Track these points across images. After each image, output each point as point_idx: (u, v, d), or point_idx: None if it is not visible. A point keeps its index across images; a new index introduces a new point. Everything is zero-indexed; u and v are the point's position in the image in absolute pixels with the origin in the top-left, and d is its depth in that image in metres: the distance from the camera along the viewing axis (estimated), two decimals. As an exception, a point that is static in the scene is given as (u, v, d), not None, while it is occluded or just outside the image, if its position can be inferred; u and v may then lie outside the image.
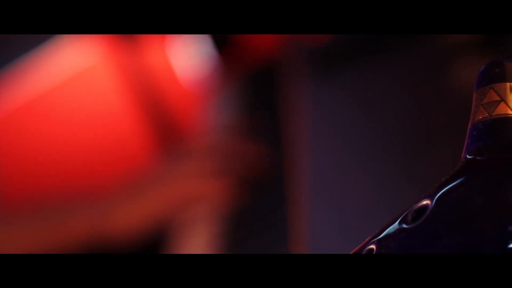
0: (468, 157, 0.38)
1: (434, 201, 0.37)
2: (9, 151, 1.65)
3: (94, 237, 0.94)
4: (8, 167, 1.61)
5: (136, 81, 1.66)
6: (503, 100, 0.39)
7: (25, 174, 1.62)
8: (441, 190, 0.37)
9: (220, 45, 1.32)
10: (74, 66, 1.68)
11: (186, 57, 1.56)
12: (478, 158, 0.38)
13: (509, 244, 0.34)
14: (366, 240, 0.39)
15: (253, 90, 1.19)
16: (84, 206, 0.97)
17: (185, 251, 0.89)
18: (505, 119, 0.38)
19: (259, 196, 0.88)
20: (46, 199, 1.02)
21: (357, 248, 0.39)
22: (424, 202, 0.37)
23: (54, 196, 1.03)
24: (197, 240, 0.89)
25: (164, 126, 1.67)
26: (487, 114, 0.39)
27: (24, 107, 1.66)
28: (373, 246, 0.38)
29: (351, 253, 0.39)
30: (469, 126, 0.39)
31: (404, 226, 0.37)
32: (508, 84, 0.39)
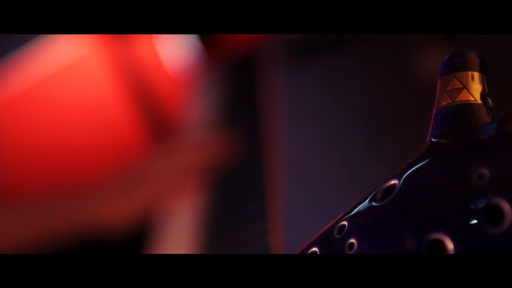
0: (433, 140, 0.38)
1: (401, 180, 0.37)
2: (8, 135, 1.64)
3: (87, 226, 0.94)
4: (6, 154, 1.60)
5: (126, 70, 1.65)
6: (465, 87, 0.38)
7: (21, 159, 1.62)
8: (408, 171, 0.37)
9: (204, 37, 1.32)
10: (68, 57, 1.67)
11: (172, 48, 1.56)
12: (442, 141, 0.38)
13: (471, 220, 0.33)
14: (339, 217, 0.39)
15: (233, 78, 1.19)
16: (78, 197, 0.96)
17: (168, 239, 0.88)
18: (467, 105, 0.38)
19: (239, 175, 0.88)
20: (42, 191, 1.02)
21: (330, 224, 0.39)
22: (392, 182, 0.37)
23: (49, 187, 1.02)
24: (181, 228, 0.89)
25: (152, 111, 1.66)
26: (450, 100, 0.39)
27: (22, 94, 1.65)
28: (345, 223, 0.38)
29: (325, 228, 0.39)
30: (433, 112, 0.39)
31: (374, 204, 0.37)
32: (470, 72, 0.39)
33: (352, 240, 0.36)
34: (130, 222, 0.95)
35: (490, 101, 0.38)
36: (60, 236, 0.94)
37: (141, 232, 0.99)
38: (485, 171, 0.34)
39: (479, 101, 0.38)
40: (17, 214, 0.97)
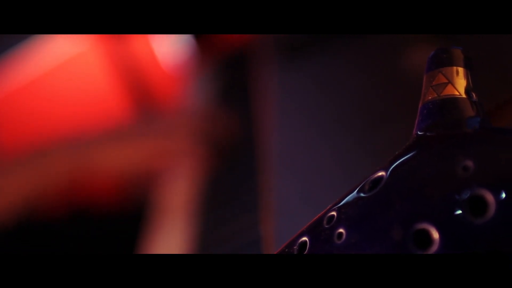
0: (419, 133, 0.38)
1: (388, 172, 0.37)
2: (7, 129, 1.64)
3: (78, 178, 0.93)
4: (5, 148, 1.60)
5: (122, 65, 1.65)
6: (450, 82, 0.39)
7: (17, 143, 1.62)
8: (395, 163, 0.37)
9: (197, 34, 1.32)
10: (65, 53, 1.67)
11: (167, 44, 1.55)
12: (428, 134, 0.38)
13: (456, 211, 0.33)
14: (328, 207, 0.39)
15: (226, 74, 1.19)
16: (68, 150, 0.95)
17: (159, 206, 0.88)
18: (452, 99, 0.38)
19: (231, 167, 0.88)
20: (35, 146, 1.01)
21: (320, 214, 0.39)
22: (380, 174, 0.37)
23: (42, 143, 1.01)
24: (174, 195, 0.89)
25: (147, 105, 1.66)
26: (436, 95, 0.39)
27: (21, 90, 1.65)
28: (334, 213, 0.38)
29: (314, 219, 0.39)
30: (420, 106, 0.39)
31: (362, 195, 0.37)
32: (455, 68, 0.39)
33: (341, 230, 0.37)
34: (120, 175, 0.94)
35: (474, 95, 0.38)
36: (52, 192, 0.94)
37: (132, 200, 0.99)
38: (470, 163, 0.34)
39: (464, 96, 0.38)
40: (11, 172, 0.96)
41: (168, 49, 1.55)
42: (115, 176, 0.94)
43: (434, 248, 0.34)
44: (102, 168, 0.93)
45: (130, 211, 1.02)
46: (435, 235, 0.34)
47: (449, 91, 0.38)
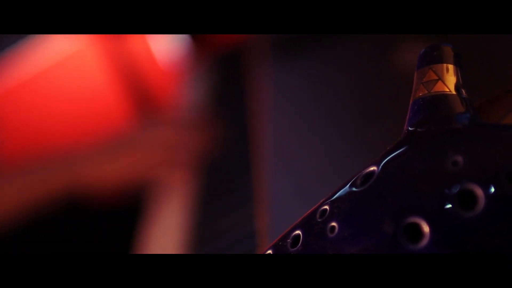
0: (410, 129, 0.38)
1: (380, 167, 0.37)
2: (7, 124, 1.63)
3: (74, 190, 0.94)
4: (5, 144, 1.60)
5: (119, 62, 1.65)
6: (441, 79, 0.39)
7: (17, 139, 1.61)
8: (386, 158, 0.37)
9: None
10: (64, 51, 1.67)
11: (163, 41, 1.55)
12: (418, 130, 0.38)
13: (446, 205, 0.33)
14: (321, 201, 0.39)
15: (221, 71, 1.19)
16: (65, 162, 0.96)
17: (158, 211, 0.88)
18: (442, 95, 0.38)
19: (227, 162, 0.88)
20: (32, 157, 1.01)
21: (313, 208, 0.39)
22: (371, 168, 0.37)
23: (39, 153, 1.02)
24: (171, 201, 0.89)
25: (143, 101, 1.66)
26: (426, 91, 0.39)
27: (20, 86, 1.65)
28: (326, 207, 0.38)
29: (308, 212, 0.39)
30: (410, 102, 0.39)
31: (354, 189, 0.37)
32: (445, 65, 0.39)
33: (333, 224, 0.37)
34: (116, 186, 0.94)
35: (464, 92, 0.38)
36: (50, 199, 0.94)
37: (129, 199, 0.99)
38: (459, 158, 0.34)
39: (454, 92, 0.38)
40: (10, 180, 0.96)
41: (164, 46, 1.55)
42: (111, 187, 0.94)
43: (424, 242, 0.34)
44: (99, 179, 0.93)
45: (127, 205, 1.02)
46: (426, 228, 0.34)
47: (439, 87, 0.38)
